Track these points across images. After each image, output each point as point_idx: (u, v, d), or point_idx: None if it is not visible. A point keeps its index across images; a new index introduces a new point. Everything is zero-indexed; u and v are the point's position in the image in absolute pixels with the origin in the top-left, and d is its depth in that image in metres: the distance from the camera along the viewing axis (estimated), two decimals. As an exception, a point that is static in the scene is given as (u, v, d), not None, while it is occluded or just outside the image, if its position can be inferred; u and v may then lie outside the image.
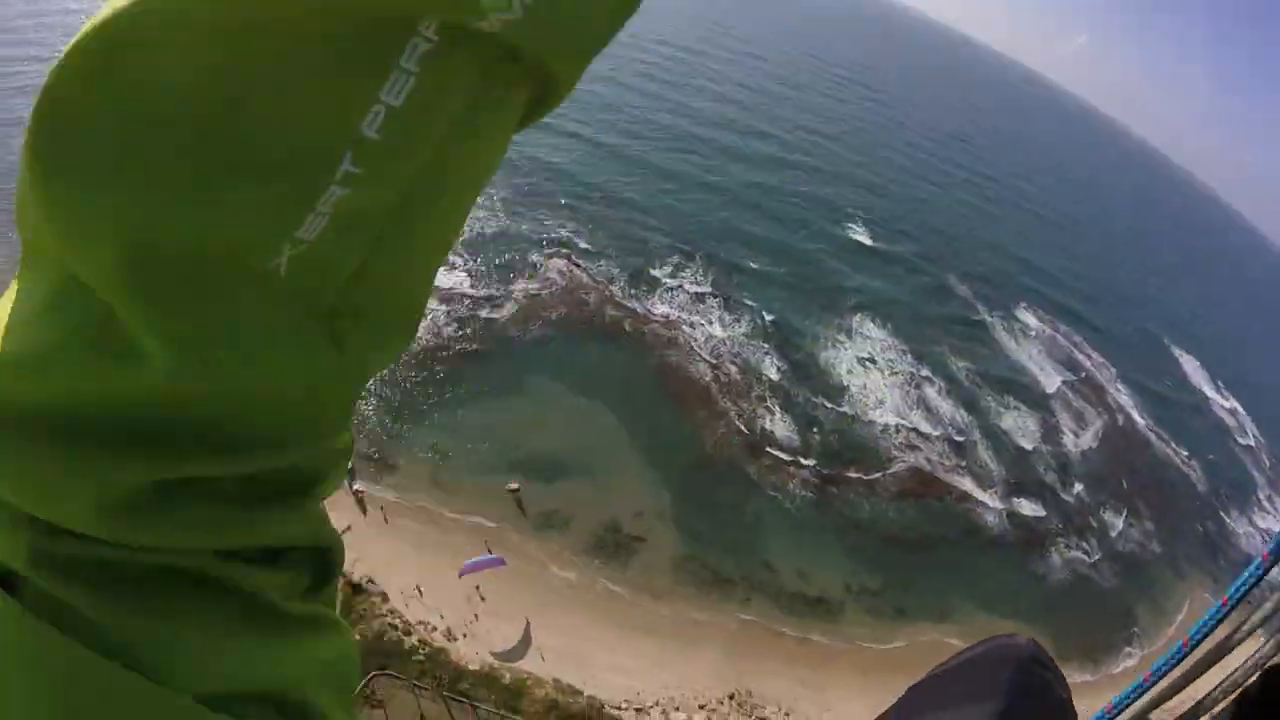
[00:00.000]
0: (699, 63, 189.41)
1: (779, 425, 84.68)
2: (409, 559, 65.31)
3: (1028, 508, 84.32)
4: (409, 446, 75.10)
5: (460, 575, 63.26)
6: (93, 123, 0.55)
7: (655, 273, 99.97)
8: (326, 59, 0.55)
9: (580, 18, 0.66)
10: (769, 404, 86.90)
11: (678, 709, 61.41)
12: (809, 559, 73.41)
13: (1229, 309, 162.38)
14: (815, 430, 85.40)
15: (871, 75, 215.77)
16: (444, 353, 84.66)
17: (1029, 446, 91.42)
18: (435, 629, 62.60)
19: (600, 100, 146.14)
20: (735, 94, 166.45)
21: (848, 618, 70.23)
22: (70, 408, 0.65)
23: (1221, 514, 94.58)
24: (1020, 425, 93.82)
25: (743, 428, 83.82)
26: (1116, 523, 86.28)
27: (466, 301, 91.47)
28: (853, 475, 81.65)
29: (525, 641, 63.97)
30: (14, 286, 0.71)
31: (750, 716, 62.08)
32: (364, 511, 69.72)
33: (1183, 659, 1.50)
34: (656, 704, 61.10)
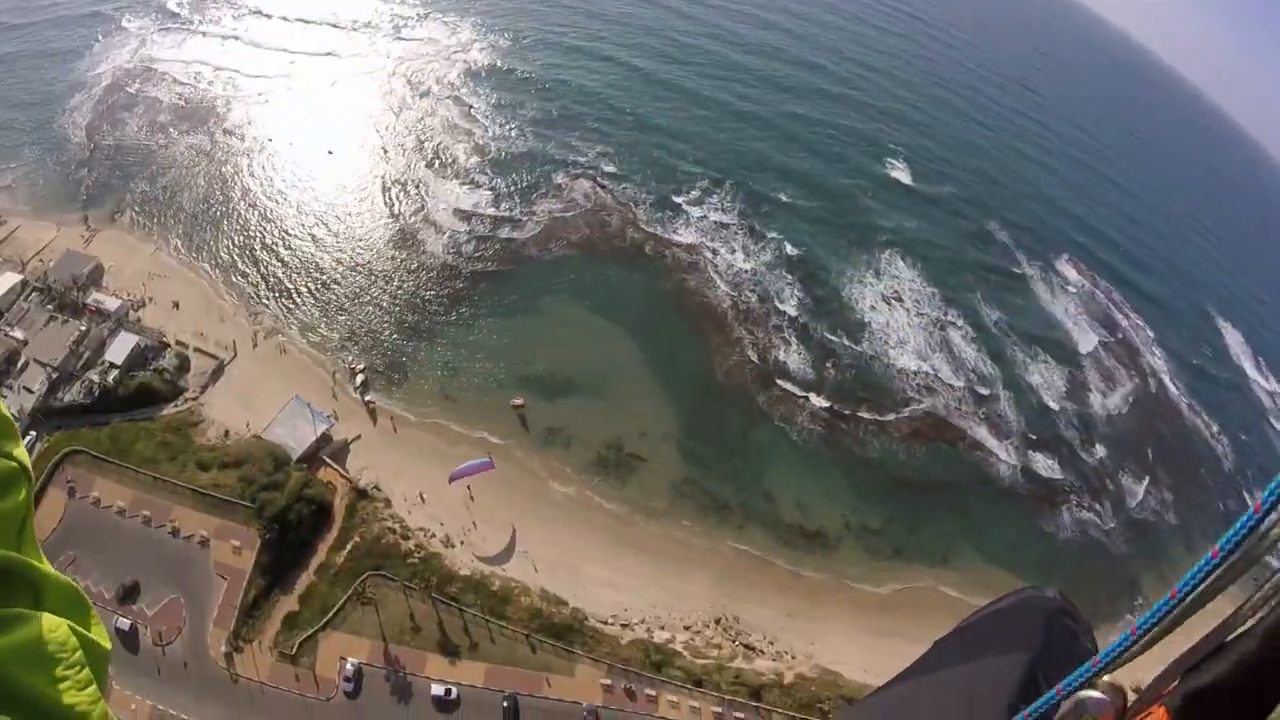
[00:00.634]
0: None
1: (794, 357, 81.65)
2: (415, 468, 65.49)
3: (1044, 463, 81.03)
4: (422, 361, 76.24)
5: (450, 480, 62.55)
6: None
7: (681, 198, 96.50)
8: None
9: None
10: (786, 335, 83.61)
11: (663, 627, 60.21)
12: (811, 493, 71.54)
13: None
14: (831, 365, 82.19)
15: (931, 8, 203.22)
16: (462, 271, 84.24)
17: (1053, 402, 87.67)
18: (434, 535, 62.78)
19: (639, 22, 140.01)
20: (784, 21, 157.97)
21: (844, 554, 68.54)
22: None
23: (1245, 495, 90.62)
24: (1046, 379, 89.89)
25: (756, 357, 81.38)
26: (1135, 489, 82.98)
27: (488, 221, 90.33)
28: (865, 413, 78.65)
29: (510, 549, 63.14)
30: None
31: (735, 641, 60.88)
32: (374, 421, 70.51)
33: (1170, 611, 1.49)
34: (642, 621, 60.14)
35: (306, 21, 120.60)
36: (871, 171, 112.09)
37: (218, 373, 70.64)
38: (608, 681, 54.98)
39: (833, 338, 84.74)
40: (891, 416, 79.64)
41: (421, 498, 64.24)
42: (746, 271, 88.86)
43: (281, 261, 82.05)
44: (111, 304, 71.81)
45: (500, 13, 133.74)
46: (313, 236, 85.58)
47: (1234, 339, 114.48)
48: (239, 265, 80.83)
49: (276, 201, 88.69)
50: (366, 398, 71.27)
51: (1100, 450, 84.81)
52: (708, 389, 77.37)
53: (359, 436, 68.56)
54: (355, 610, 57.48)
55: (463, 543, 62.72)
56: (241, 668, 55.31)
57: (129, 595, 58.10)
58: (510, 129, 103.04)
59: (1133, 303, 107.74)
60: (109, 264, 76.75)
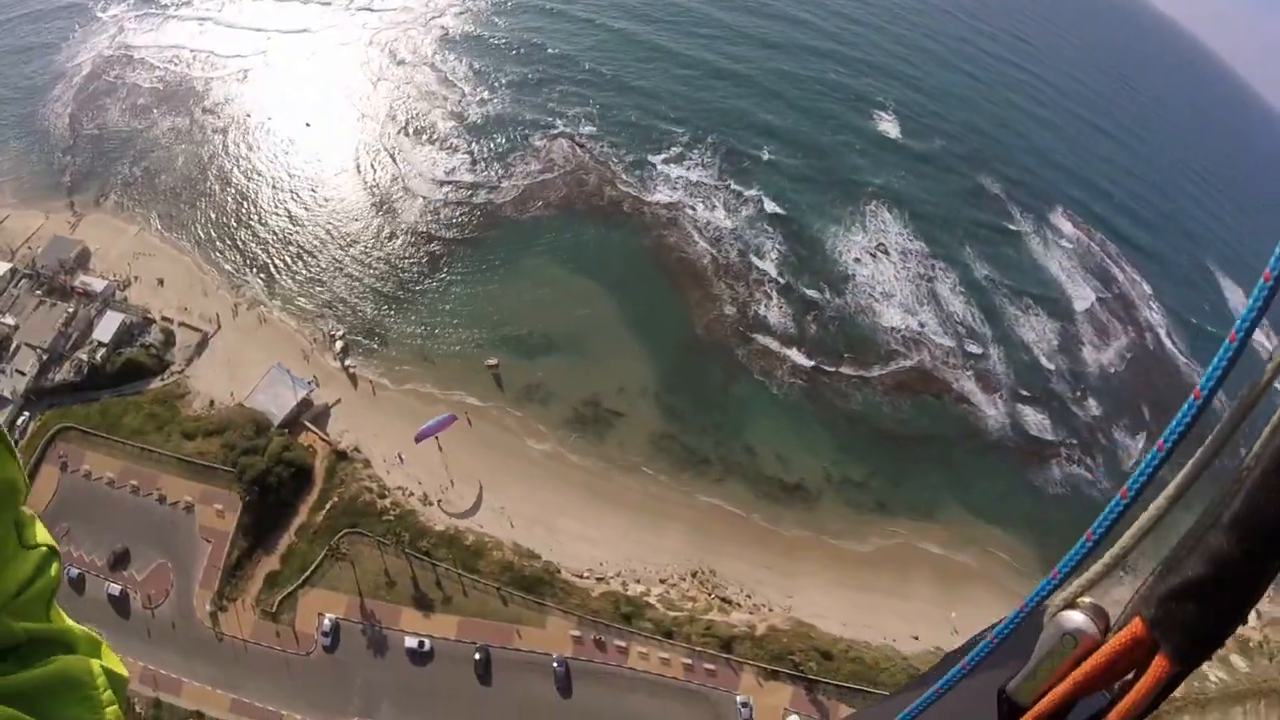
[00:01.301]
0: None
1: (775, 312, 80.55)
2: (394, 429, 65.62)
3: (1034, 418, 79.57)
4: (400, 326, 76.34)
5: (417, 439, 62.98)
6: None
7: (660, 157, 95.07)
8: None
9: None
10: (767, 289, 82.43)
11: (638, 581, 60.23)
12: (792, 446, 70.82)
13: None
14: (813, 319, 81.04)
15: None
16: (439, 236, 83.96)
17: (1045, 356, 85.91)
18: (411, 494, 63.44)
19: None
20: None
21: (825, 508, 67.84)
22: None
23: (1242, 451, 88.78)
24: (1039, 334, 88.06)
25: (736, 312, 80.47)
26: (1129, 444, 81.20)
27: (465, 185, 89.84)
28: (848, 368, 77.76)
29: (486, 506, 63.96)
30: None
31: (711, 594, 61.03)
32: (355, 386, 71.20)
33: (1123, 511, 1.47)
34: (618, 574, 60.25)
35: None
36: (859, 127, 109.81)
37: (202, 345, 72.16)
38: (578, 633, 55.57)
39: (815, 292, 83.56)
40: (876, 370, 78.50)
41: (400, 458, 65.12)
42: (727, 228, 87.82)
43: (261, 235, 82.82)
44: (98, 285, 73.71)
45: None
46: (291, 209, 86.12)
47: (1235, 296, 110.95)
48: (220, 241, 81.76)
49: (255, 177, 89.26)
50: (346, 363, 72.26)
51: (1093, 405, 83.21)
52: (687, 344, 76.94)
53: (339, 401, 69.64)
54: (333, 567, 58.73)
55: (440, 501, 63.52)
56: (226, 626, 57.25)
57: (119, 562, 60.42)
58: (487, 94, 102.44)
59: (1129, 257, 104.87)
60: (95, 247, 78.48)
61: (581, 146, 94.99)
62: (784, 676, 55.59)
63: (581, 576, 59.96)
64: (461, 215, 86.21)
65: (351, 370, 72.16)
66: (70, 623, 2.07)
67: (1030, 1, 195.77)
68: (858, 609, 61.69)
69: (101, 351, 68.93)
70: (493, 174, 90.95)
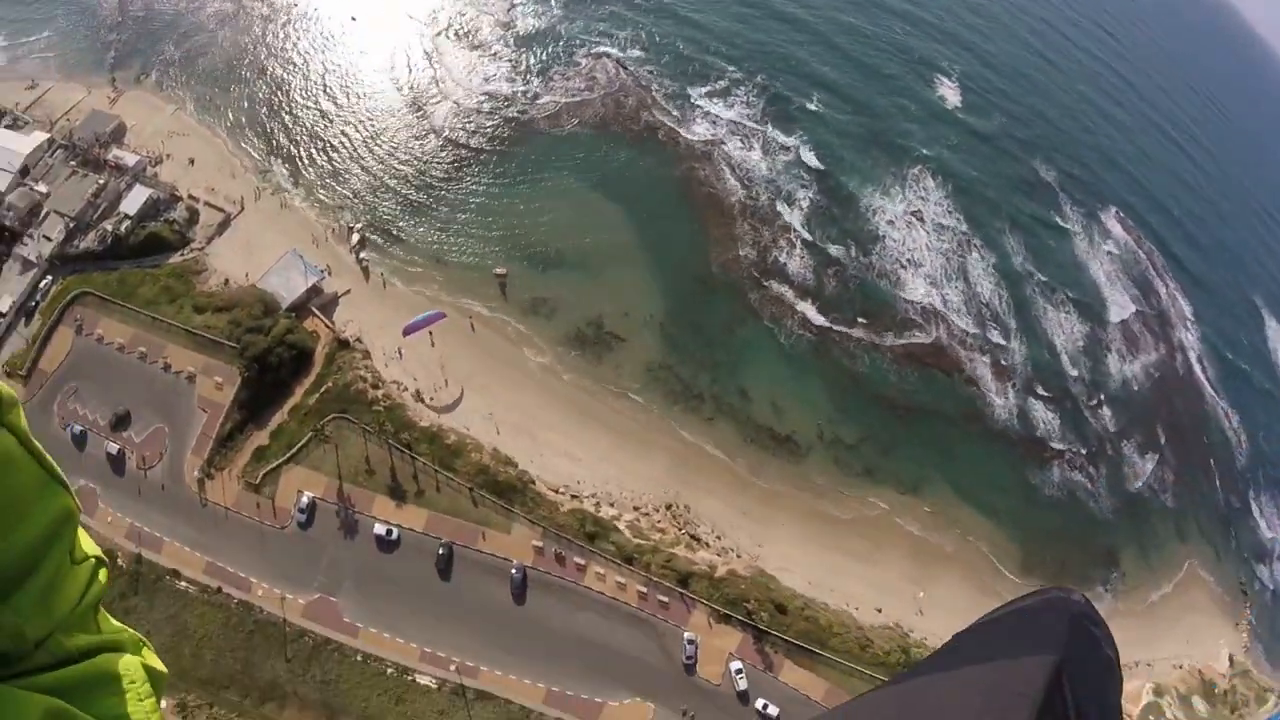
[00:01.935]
0: None
1: (795, 260, 78.75)
2: (398, 325, 65.45)
3: (1043, 414, 77.06)
4: (419, 225, 76.42)
5: (405, 333, 63.61)
6: None
7: (703, 89, 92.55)
8: None
9: None
10: (791, 237, 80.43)
11: (612, 504, 60.52)
12: (789, 396, 70.07)
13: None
14: (833, 274, 78.97)
15: None
16: (469, 142, 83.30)
17: (1067, 355, 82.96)
18: (405, 389, 64.21)
19: None
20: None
21: (812, 464, 67.17)
22: None
23: (1250, 496, 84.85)
24: (1065, 331, 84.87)
25: (756, 255, 78.86)
26: (1135, 460, 78.49)
27: (501, 94, 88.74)
28: (860, 329, 76.09)
29: (475, 409, 64.47)
30: None
31: (682, 529, 60.67)
32: (366, 279, 71.96)
33: None
34: (593, 495, 60.63)
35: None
36: (917, 93, 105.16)
37: (224, 225, 73.68)
38: (540, 544, 56.23)
39: (840, 248, 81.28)
40: (889, 338, 76.54)
41: (400, 353, 66.04)
42: (760, 170, 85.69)
43: (292, 125, 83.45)
44: (130, 160, 75.55)
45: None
46: (326, 101, 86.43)
47: (1277, 337, 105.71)
48: (252, 127, 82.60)
49: (293, 67, 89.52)
50: (361, 256, 73.01)
51: (1107, 416, 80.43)
52: (700, 279, 75.96)
53: (349, 291, 70.52)
54: (317, 448, 60.21)
55: (430, 399, 64.38)
56: (211, 493, 59.58)
57: (120, 423, 63.17)
58: (537, 6, 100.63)
59: (1175, 275, 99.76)
60: (131, 123, 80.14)
61: (625, 69, 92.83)
62: (735, 622, 55.82)
63: (557, 491, 60.40)
64: (494, 124, 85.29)
65: (365, 263, 72.94)
66: (116, 624, 2.22)
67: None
68: (826, 569, 61.42)
69: (126, 224, 71.08)
70: (531, 86, 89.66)
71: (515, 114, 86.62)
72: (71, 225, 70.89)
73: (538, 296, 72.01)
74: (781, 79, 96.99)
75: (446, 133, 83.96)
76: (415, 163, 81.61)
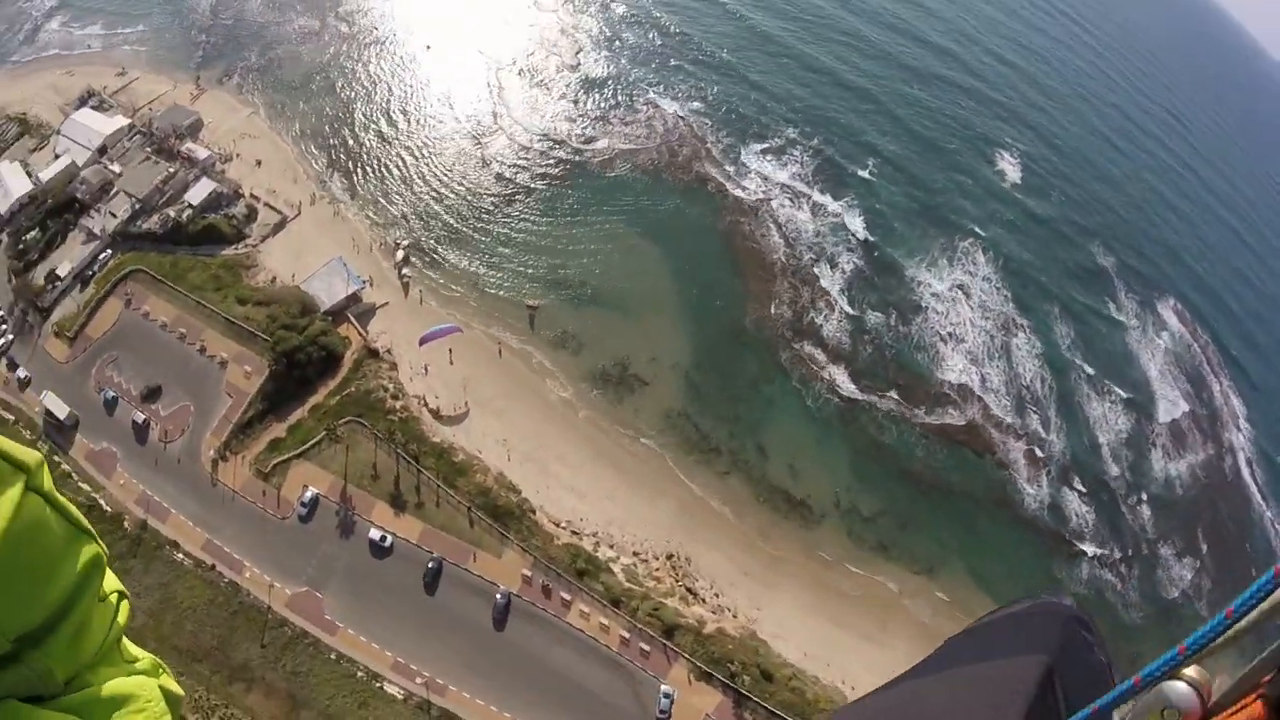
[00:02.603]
0: None
1: (831, 323, 77.45)
2: (434, 345, 65.02)
3: (1076, 506, 73.27)
4: (462, 251, 78.34)
5: (420, 343, 64.32)
6: None
7: (758, 147, 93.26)
8: None
9: None
10: (831, 300, 79.41)
11: (612, 546, 59.39)
12: (808, 460, 67.82)
13: None
14: (869, 339, 77.49)
15: (1093, 15, 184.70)
16: (521, 176, 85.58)
17: (1108, 446, 79.00)
18: (425, 404, 65.01)
19: None
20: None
21: (824, 532, 64.61)
22: None
23: None
24: (1108, 421, 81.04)
25: (792, 314, 77.88)
26: (1172, 565, 73.76)
27: (559, 133, 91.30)
28: (890, 400, 74.21)
29: (490, 434, 64.39)
30: None
31: (680, 580, 58.93)
32: (405, 294, 74.06)
33: (1272, 590, 1.49)
34: (594, 534, 59.64)
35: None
36: (976, 170, 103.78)
37: (279, 226, 77.38)
38: (529, 573, 55.31)
39: (879, 315, 79.69)
40: (921, 411, 74.17)
41: (425, 369, 67.06)
42: (807, 231, 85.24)
43: (355, 140, 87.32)
44: (201, 153, 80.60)
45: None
46: (388, 123, 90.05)
47: None
48: (319, 137, 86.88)
49: (365, 87, 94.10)
50: (403, 271, 75.18)
51: (1146, 514, 75.80)
52: (732, 332, 75.03)
53: (386, 304, 72.44)
54: (329, 447, 61.26)
55: (452, 418, 64.77)
56: (222, 475, 61.58)
57: (151, 395, 66.33)
58: (605, 54, 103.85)
59: (1231, 374, 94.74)
60: (208, 120, 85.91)
61: (682, 120, 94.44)
62: (717, 682, 53.42)
63: (558, 525, 59.63)
64: (547, 163, 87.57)
65: (406, 280, 74.99)
66: (136, 651, 2.25)
67: (1199, 91, 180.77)
68: (824, 643, 58.58)
69: (188, 212, 75.64)
70: (588, 129, 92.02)
71: (569, 154, 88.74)
72: (137, 206, 75.49)
73: (568, 331, 72.34)
74: (837, 144, 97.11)
75: (500, 166, 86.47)
76: (466, 191, 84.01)
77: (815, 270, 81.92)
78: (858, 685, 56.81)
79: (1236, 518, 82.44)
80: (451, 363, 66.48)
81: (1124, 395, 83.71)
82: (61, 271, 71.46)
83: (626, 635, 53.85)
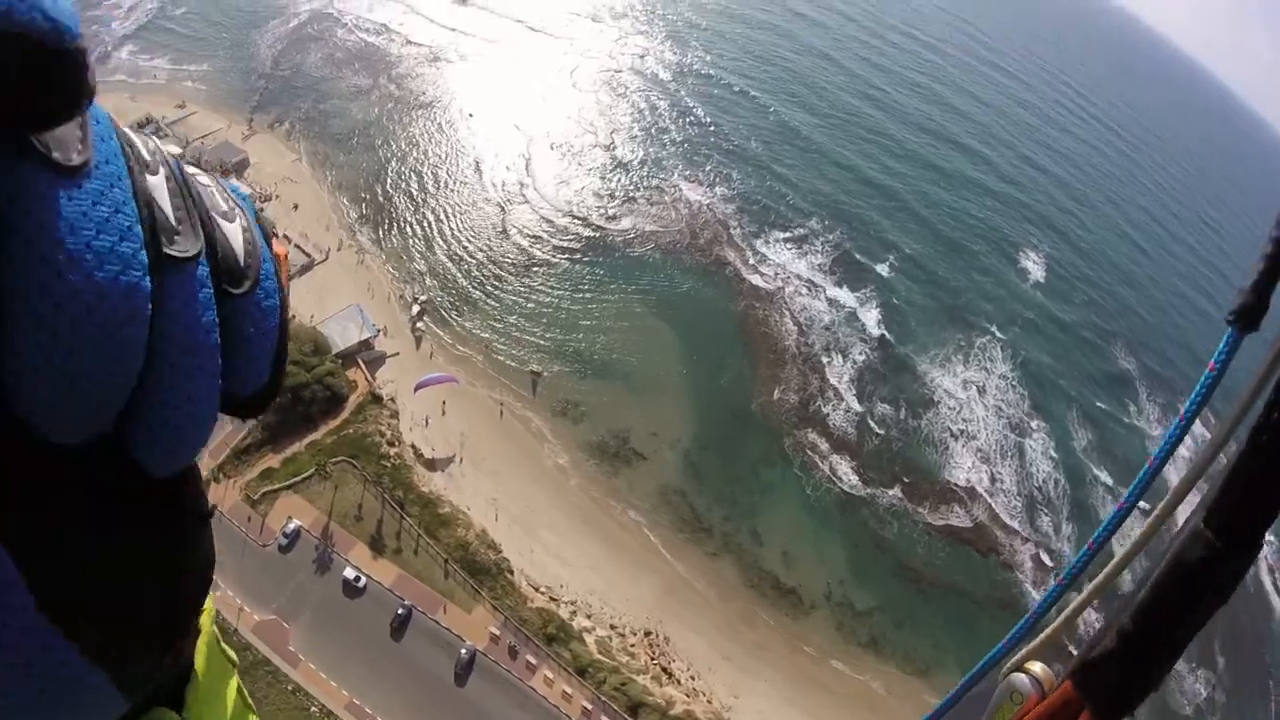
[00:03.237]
0: (929, 59, 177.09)
1: (839, 412, 76.87)
2: (432, 397, 67.47)
3: (1084, 617, 69.68)
4: (477, 312, 79.98)
5: (415, 389, 65.17)
6: None
7: (778, 236, 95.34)
8: None
9: None
10: (840, 389, 79.11)
11: (589, 616, 58.23)
12: (803, 549, 66.24)
13: None
14: (877, 431, 76.52)
15: (1127, 123, 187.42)
16: (544, 247, 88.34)
17: (1121, 547, 75.34)
18: (420, 454, 65.50)
19: (792, 68, 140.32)
20: (960, 102, 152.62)
21: (813, 623, 62.34)
22: None
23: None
24: (1124, 526, 77.50)
25: (799, 400, 77.43)
26: (1184, 676, 69.28)
27: (585, 207, 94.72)
28: (893, 494, 72.53)
29: (480, 491, 63.89)
30: None
31: (655, 659, 57.08)
32: (416, 347, 75.54)
33: (1085, 563, 1.68)
34: (573, 602, 58.62)
35: (495, 13, 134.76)
36: (998, 274, 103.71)
37: (306, 268, 79.88)
38: (497, 632, 54.01)
39: (889, 406, 78.73)
40: (925, 506, 72.37)
41: (426, 421, 67.55)
42: (822, 320, 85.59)
43: (389, 196, 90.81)
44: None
45: (676, 39, 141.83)
46: (422, 183, 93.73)
47: None
48: (354, 189, 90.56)
49: (405, 147, 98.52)
50: (418, 325, 76.79)
51: (1161, 625, 71.87)
52: (737, 414, 74.56)
53: (397, 354, 73.75)
54: (319, 483, 61.59)
55: (441, 470, 64.98)
56: (211, 494, 60.81)
57: (155, 407, 66.87)
58: (637, 136, 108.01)
59: None
60: (254, 160, 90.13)
61: (707, 205, 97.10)
62: (679, 767, 50.80)
63: (538, 589, 58.51)
64: (568, 237, 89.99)
65: (419, 333, 76.53)
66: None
67: (1241, 195, 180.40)
68: (804, 742, 55.85)
69: (221, 244, 77.95)
70: (615, 207, 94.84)
71: (591, 230, 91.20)
72: None
73: (571, 400, 72.55)
74: (858, 239, 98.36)
75: (524, 234, 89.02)
76: (488, 256, 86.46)
77: (826, 359, 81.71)
78: (831, 790, 53.69)
79: (1256, 630, 77.62)
80: (444, 413, 67.07)
81: (1142, 503, 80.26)
82: (90, 281, 74.56)
83: (589, 707, 51.63)
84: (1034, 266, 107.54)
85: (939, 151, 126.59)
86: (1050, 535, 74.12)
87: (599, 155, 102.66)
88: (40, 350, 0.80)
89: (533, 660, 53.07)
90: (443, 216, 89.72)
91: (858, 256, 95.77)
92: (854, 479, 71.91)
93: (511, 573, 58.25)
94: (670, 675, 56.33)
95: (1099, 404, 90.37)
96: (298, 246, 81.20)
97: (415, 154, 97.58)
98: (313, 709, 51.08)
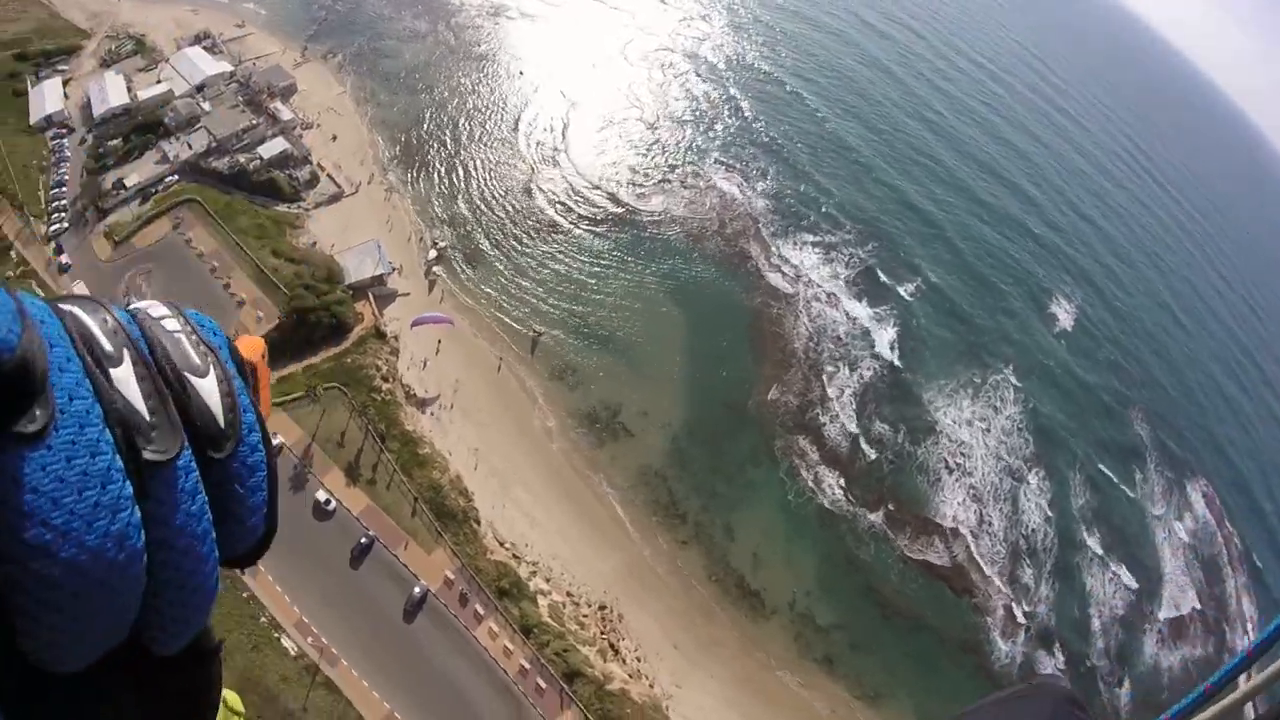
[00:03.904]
0: (994, 90, 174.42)
1: (835, 426, 75.54)
2: (431, 340, 68.38)
3: (1049, 669, 68.31)
4: (494, 268, 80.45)
5: (412, 326, 66.13)
6: None
7: (807, 240, 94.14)
8: None
9: None
10: (842, 400, 77.86)
11: (548, 580, 58.17)
12: (774, 554, 65.32)
13: None
14: (872, 449, 75.25)
15: (1185, 182, 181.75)
16: (571, 215, 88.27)
17: (1099, 619, 73.82)
18: (412, 394, 66.19)
19: (851, 78, 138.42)
20: (1017, 139, 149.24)
21: (770, 629, 61.56)
22: None
23: None
24: (1105, 593, 75.93)
25: (798, 405, 76.31)
26: None
27: (619, 181, 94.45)
28: (876, 516, 71.52)
29: (462, 439, 64.19)
30: None
31: (605, 634, 56.94)
32: (429, 290, 75.90)
33: (1202, 703, 1.63)
34: (535, 563, 58.69)
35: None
36: (1024, 318, 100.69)
37: (335, 198, 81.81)
38: (452, 576, 54.16)
39: (887, 428, 77.25)
40: (906, 534, 71.12)
41: (424, 364, 68.34)
42: (836, 330, 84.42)
43: (422, 141, 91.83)
44: (286, 115, 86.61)
45: (738, 30, 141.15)
46: (456, 134, 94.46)
47: None
48: (393, 128, 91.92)
49: (448, 95, 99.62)
50: (433, 269, 77.70)
51: (1124, 696, 70.11)
52: (732, 408, 73.89)
53: (408, 294, 74.53)
54: (307, 405, 62.38)
55: (431, 414, 65.46)
56: None
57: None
58: (681, 119, 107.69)
59: (1249, 576, 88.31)
60: (303, 87, 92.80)
61: (740, 198, 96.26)
62: (603, 742, 50.34)
63: (502, 544, 58.69)
64: (597, 207, 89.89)
65: (433, 277, 77.21)
66: None
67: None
68: (741, 743, 55.33)
69: (257, 163, 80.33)
70: (647, 185, 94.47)
71: (618, 206, 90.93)
72: (214, 145, 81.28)
73: (569, 366, 72.66)
74: (887, 259, 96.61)
75: (554, 199, 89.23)
76: (515, 215, 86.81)
77: (832, 370, 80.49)
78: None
79: (1227, 726, 75.32)
80: (438, 353, 67.45)
81: (1129, 570, 78.51)
82: (129, 182, 76.65)
83: (527, 666, 51.57)
84: (1064, 316, 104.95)
85: (987, 185, 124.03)
86: (1030, 588, 72.35)
87: (640, 132, 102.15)
88: (48, 627, 0.78)
89: (481, 611, 53.12)
90: (473, 169, 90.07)
91: (882, 275, 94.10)
92: (838, 494, 70.81)
93: (478, 523, 58.30)
94: (616, 652, 56.06)
95: (1104, 469, 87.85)
96: (330, 176, 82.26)
97: (457, 102, 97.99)
98: (262, 619, 51.59)
